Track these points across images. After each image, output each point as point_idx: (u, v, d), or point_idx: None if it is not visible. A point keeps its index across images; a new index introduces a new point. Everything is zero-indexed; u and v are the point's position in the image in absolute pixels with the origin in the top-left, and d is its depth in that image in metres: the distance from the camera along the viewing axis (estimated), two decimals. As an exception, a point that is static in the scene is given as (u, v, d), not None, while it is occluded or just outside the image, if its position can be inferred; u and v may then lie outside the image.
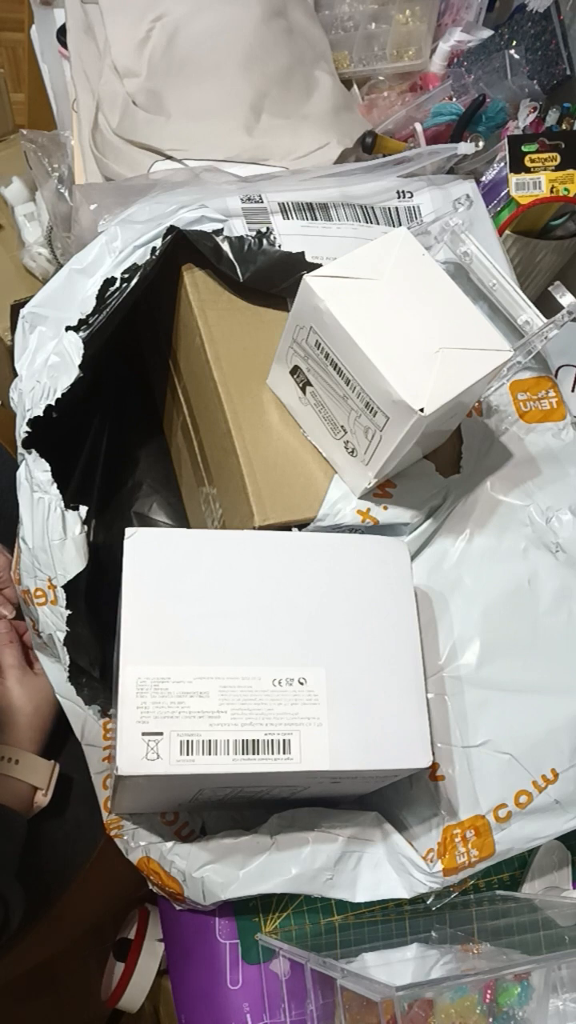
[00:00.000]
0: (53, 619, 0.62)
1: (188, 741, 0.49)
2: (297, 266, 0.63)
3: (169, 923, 0.70)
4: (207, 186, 0.69)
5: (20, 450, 0.62)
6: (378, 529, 0.61)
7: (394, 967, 0.60)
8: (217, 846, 0.62)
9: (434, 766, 0.59)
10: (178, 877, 0.63)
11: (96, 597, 0.64)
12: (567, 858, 0.70)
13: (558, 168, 0.80)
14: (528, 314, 0.66)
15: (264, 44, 0.82)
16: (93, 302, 0.62)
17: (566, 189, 0.80)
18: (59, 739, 0.71)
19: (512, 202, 0.80)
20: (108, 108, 0.80)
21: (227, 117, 0.81)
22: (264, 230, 0.65)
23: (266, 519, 0.58)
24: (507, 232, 0.82)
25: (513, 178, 0.80)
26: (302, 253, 0.65)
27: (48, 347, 0.62)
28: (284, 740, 0.50)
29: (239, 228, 0.65)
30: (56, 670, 0.65)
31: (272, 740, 0.50)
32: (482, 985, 0.53)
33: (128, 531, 0.54)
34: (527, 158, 0.80)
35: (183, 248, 0.64)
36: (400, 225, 0.71)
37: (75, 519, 0.62)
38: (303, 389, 0.60)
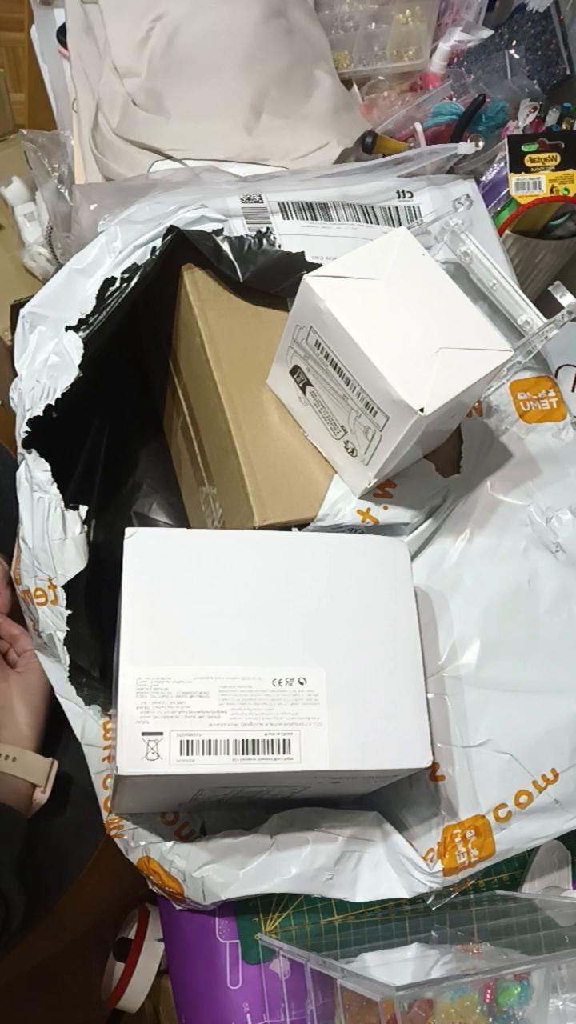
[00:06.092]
0: (53, 619, 0.62)
1: (188, 741, 0.49)
2: (297, 266, 0.63)
3: (169, 923, 0.70)
4: (207, 186, 0.69)
5: (20, 450, 0.62)
6: (378, 529, 0.61)
7: (394, 967, 0.60)
8: (217, 846, 0.62)
9: (434, 766, 0.59)
10: (178, 877, 0.63)
11: (96, 597, 0.64)
12: (567, 858, 0.70)
13: (558, 168, 0.80)
14: (528, 314, 0.66)
15: (264, 44, 0.82)
16: (93, 302, 0.62)
17: (566, 189, 0.80)
18: (55, 736, 0.71)
19: (512, 202, 0.80)
20: (108, 108, 0.80)
21: (227, 117, 0.80)
22: (264, 230, 0.65)
23: (266, 519, 0.58)
24: (507, 232, 0.82)
25: (513, 178, 0.80)
26: (302, 253, 0.65)
27: (48, 347, 0.62)
28: (284, 740, 0.50)
29: (239, 228, 0.65)
30: (56, 670, 0.65)
31: (272, 740, 0.50)
32: (482, 985, 0.53)
33: (128, 531, 0.54)
34: (527, 158, 0.80)
35: (183, 248, 0.64)
36: (400, 225, 0.70)
37: (75, 519, 0.62)
38: (303, 389, 0.60)
